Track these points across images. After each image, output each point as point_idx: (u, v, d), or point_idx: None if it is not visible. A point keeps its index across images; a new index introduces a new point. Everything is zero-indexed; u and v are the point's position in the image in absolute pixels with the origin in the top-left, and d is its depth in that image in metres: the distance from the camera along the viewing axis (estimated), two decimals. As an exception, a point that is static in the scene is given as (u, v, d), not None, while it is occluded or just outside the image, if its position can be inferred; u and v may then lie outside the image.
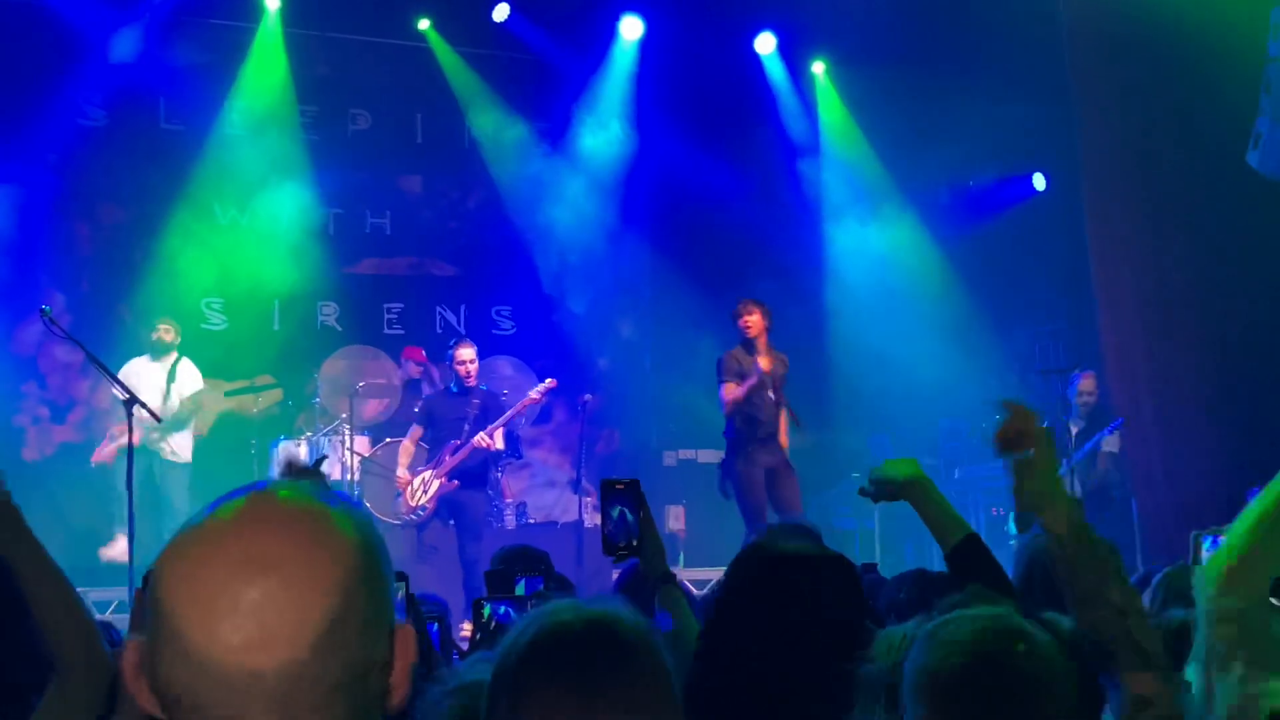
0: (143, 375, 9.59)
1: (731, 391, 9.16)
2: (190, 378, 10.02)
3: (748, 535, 8.63)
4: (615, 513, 3.27)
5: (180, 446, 9.95)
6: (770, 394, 9.28)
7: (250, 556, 1.20)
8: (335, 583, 1.22)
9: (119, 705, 2.36)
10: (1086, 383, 9.94)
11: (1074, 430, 9.79)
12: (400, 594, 3.15)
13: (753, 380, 9.12)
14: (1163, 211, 10.50)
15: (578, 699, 1.64)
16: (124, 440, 9.61)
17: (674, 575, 3.34)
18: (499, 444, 9.58)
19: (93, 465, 9.75)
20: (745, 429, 9.27)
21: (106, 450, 9.75)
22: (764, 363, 9.16)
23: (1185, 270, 10.31)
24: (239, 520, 1.24)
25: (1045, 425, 2.47)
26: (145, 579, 2.21)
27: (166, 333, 9.96)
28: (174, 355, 9.95)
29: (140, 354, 9.92)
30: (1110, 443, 9.81)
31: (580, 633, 1.71)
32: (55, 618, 2.48)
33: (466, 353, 9.51)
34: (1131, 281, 10.60)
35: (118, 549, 9.31)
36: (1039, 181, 12.31)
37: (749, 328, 9.29)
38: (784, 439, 9.44)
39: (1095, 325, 10.77)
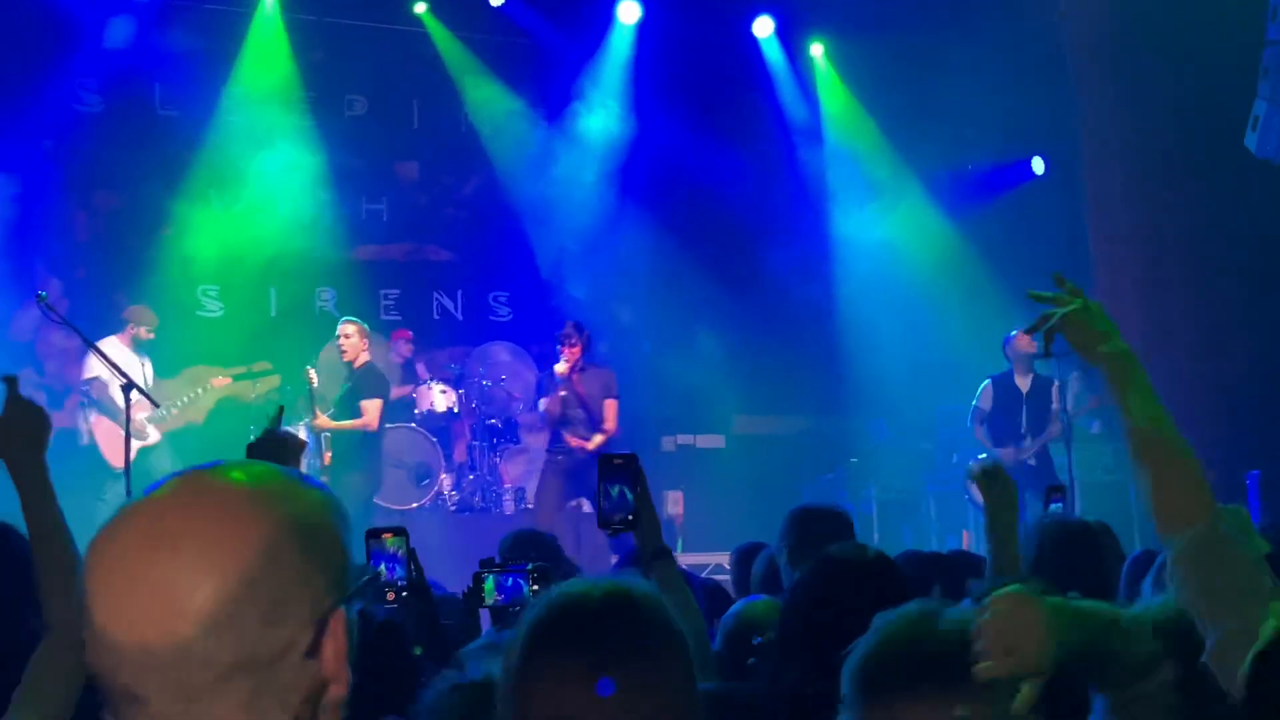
0: (126, 365, 9.48)
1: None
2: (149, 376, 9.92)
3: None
4: (614, 489, 3.27)
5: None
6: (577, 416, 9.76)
7: (154, 533, 1.22)
8: (235, 562, 1.21)
9: None
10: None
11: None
12: (401, 550, 3.20)
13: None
14: (1161, 194, 10.50)
15: (589, 667, 1.63)
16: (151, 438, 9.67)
17: (669, 550, 3.34)
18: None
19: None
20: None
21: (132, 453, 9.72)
22: (559, 368, 9.72)
23: (1183, 253, 10.32)
24: (160, 499, 1.25)
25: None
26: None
27: (151, 334, 9.91)
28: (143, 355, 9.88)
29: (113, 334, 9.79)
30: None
31: (596, 603, 1.70)
32: (54, 577, 2.49)
33: (342, 328, 9.80)
34: (1129, 264, 10.60)
35: None
36: (1038, 165, 12.32)
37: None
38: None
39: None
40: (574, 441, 9.66)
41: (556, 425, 9.82)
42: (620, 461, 3.31)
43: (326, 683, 1.28)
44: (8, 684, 2.51)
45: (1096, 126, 11.03)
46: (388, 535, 3.25)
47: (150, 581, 1.19)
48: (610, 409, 9.76)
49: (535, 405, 11.97)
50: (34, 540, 2.54)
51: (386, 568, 3.21)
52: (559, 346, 9.74)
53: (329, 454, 9.70)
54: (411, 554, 3.23)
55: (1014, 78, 11.29)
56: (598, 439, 9.62)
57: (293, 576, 1.24)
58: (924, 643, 1.93)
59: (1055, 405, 9.76)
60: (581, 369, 9.70)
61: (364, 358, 9.75)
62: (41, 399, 8.77)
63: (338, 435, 9.60)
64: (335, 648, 1.28)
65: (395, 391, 11.04)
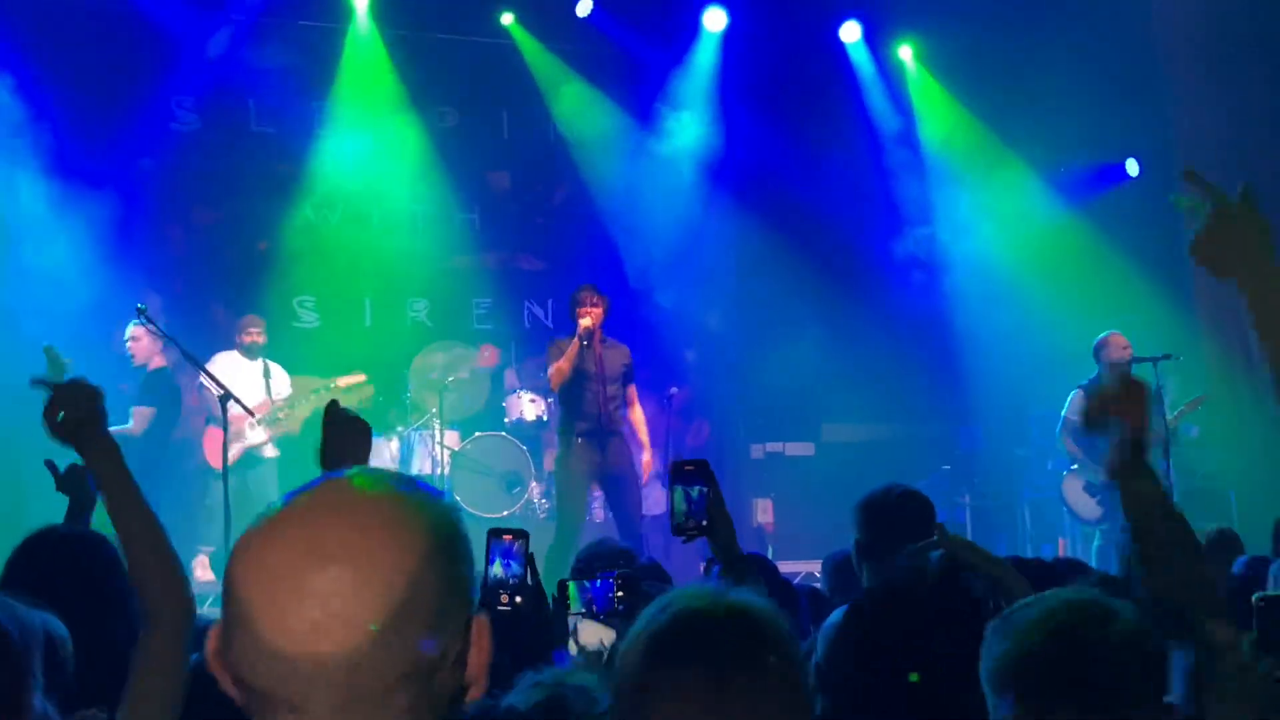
0: (238, 373, 9.68)
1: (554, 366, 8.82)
2: (281, 379, 10.12)
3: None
4: (692, 491, 3.25)
5: (265, 446, 10.06)
6: (604, 386, 8.80)
7: (316, 544, 1.22)
8: (401, 571, 1.22)
9: None
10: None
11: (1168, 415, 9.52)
12: (520, 551, 3.19)
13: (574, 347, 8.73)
14: (1261, 194, 10.24)
15: (709, 684, 1.63)
16: (250, 440, 9.82)
17: (745, 557, 3.30)
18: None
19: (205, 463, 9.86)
20: (566, 417, 8.94)
21: (235, 450, 9.89)
22: (585, 323, 8.74)
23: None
24: (309, 508, 1.26)
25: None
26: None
27: (259, 335, 10.05)
28: (262, 359, 10.06)
29: (227, 349, 9.99)
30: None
31: (717, 619, 1.69)
32: (145, 558, 2.50)
33: (130, 331, 9.42)
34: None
35: (199, 566, 9.45)
36: (1132, 167, 12.11)
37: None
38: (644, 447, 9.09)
39: (1188, 312, 10.56)
40: (646, 462, 9.07)
41: (566, 393, 8.85)
42: (693, 466, 3.28)
43: (469, 687, 1.31)
44: (100, 685, 2.54)
45: (1192, 127, 10.81)
46: (508, 536, 3.23)
47: (319, 594, 1.20)
48: (634, 394, 9.16)
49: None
50: (116, 522, 2.52)
51: (503, 566, 3.18)
52: (576, 309, 8.89)
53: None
54: (530, 557, 3.22)
55: (1106, 78, 11.11)
56: (646, 458, 9.05)
57: (449, 584, 1.27)
58: (1094, 648, 1.90)
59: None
60: (603, 339, 8.97)
61: (157, 361, 9.54)
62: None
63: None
64: (480, 653, 1.31)
65: (480, 398, 11.12)
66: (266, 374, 9.94)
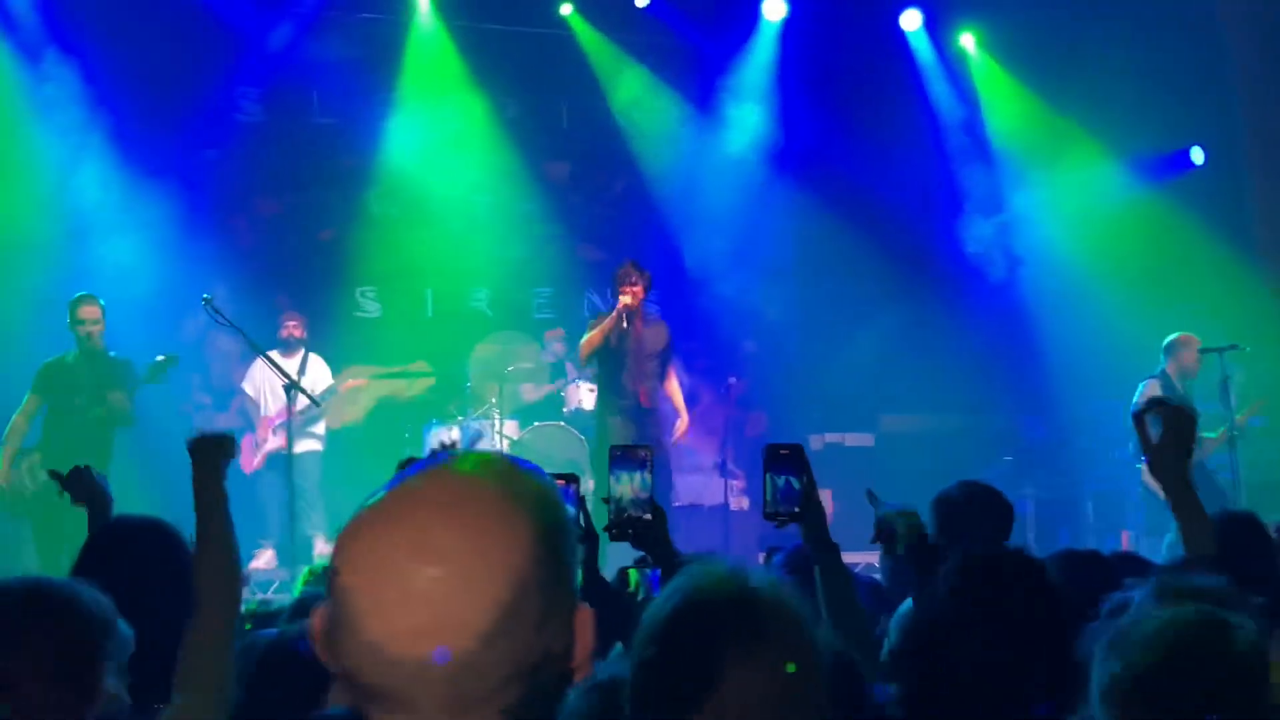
0: (265, 370, 9.71)
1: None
2: (318, 372, 10.11)
3: None
4: (780, 480, 3.21)
5: (307, 439, 10.00)
6: (642, 365, 8.90)
7: (424, 543, 1.19)
8: (510, 571, 1.20)
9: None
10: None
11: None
12: (572, 492, 3.15)
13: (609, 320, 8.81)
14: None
15: (708, 669, 1.65)
16: (272, 444, 9.91)
17: (837, 547, 3.20)
18: None
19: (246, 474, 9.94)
20: (604, 395, 9.05)
21: (256, 460, 10.00)
22: (625, 300, 8.80)
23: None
24: (416, 502, 1.23)
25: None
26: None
27: (296, 329, 10.07)
28: (302, 351, 10.04)
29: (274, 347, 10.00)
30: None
31: (722, 603, 1.70)
32: (214, 577, 2.64)
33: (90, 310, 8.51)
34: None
35: (264, 559, 9.55)
36: (1197, 155, 11.95)
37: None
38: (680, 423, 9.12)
39: (1254, 301, 10.42)
40: (681, 433, 9.19)
41: (604, 371, 8.94)
42: (787, 451, 3.22)
43: (573, 675, 1.29)
44: (160, 671, 2.59)
45: (1260, 116, 10.65)
46: (560, 480, 3.15)
47: (427, 597, 1.18)
48: (672, 372, 9.24)
49: (685, 402, 11.97)
50: (200, 545, 2.69)
51: None
52: (618, 285, 8.94)
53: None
54: (581, 501, 3.20)
55: (1170, 65, 10.97)
56: (682, 423, 9.18)
57: (556, 581, 1.25)
58: (1217, 665, 1.86)
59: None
60: (644, 317, 9.05)
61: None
62: (208, 401, 9.03)
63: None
64: (584, 645, 1.29)
65: (542, 390, 11.15)
66: (302, 369, 9.88)
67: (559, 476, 3.13)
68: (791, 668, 1.69)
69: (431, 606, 1.18)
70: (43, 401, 8.59)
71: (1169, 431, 3.03)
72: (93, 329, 8.47)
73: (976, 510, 3.90)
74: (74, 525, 3.58)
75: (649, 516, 3.15)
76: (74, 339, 8.54)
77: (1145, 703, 1.87)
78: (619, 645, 2.33)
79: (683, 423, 9.19)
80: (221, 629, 2.58)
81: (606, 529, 3.17)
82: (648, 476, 3.17)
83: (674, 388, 9.27)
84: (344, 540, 1.23)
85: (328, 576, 1.24)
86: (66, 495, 3.69)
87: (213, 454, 2.81)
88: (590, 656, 1.30)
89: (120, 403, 8.46)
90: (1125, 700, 1.90)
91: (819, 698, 1.69)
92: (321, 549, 9.40)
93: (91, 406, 8.36)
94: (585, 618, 1.30)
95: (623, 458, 3.21)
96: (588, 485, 10.47)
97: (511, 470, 1.29)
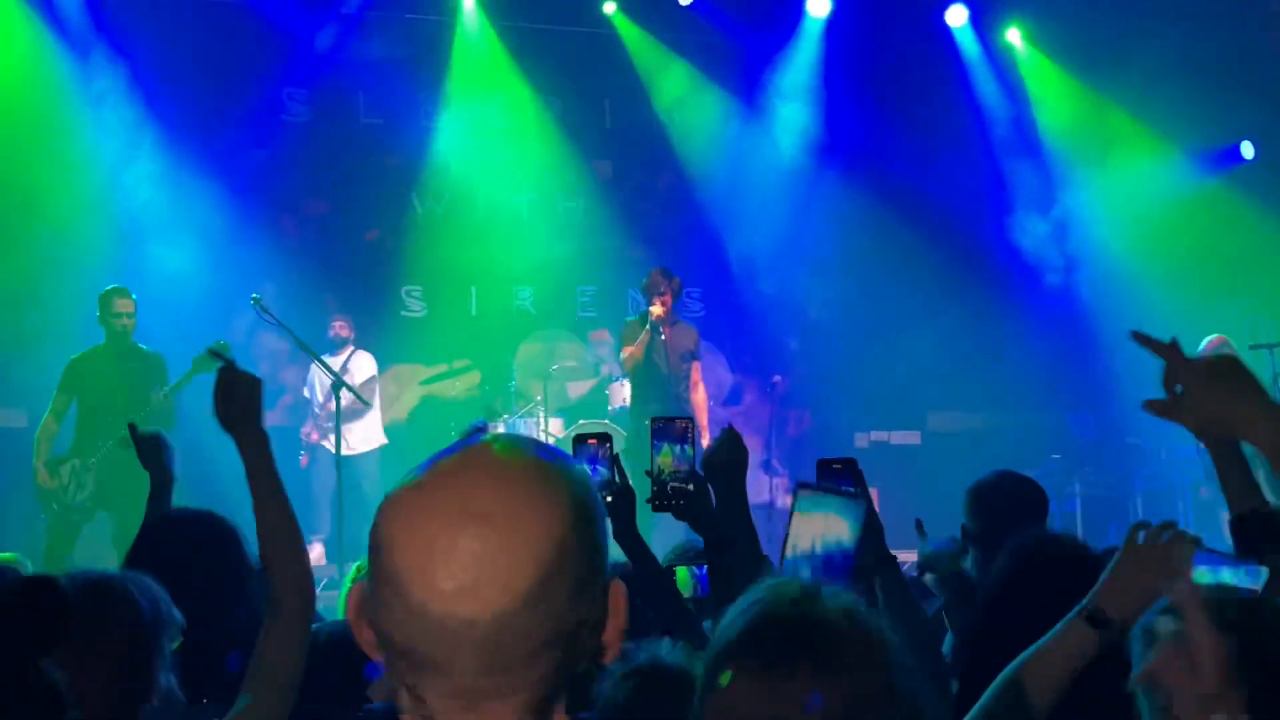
0: (317, 369, 9.83)
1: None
2: (363, 367, 10.18)
3: None
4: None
5: (360, 438, 10.14)
6: (671, 369, 9.05)
7: (466, 507, 1.23)
8: (549, 536, 1.23)
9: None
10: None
11: None
12: (605, 454, 3.18)
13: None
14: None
15: (769, 686, 1.60)
16: (315, 437, 10.02)
17: (895, 558, 3.06)
18: None
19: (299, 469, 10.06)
20: (635, 400, 9.22)
21: (305, 457, 10.16)
22: (655, 311, 9.02)
23: None
24: (456, 472, 1.27)
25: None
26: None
27: (342, 329, 10.22)
28: (350, 349, 10.16)
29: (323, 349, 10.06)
30: None
31: (783, 619, 1.65)
32: (277, 544, 2.59)
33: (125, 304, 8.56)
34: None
35: (313, 554, 9.63)
36: (1247, 150, 11.85)
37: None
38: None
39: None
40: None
41: (635, 377, 9.17)
42: (840, 466, 3.13)
43: (606, 649, 1.32)
44: (221, 663, 2.61)
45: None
46: (593, 440, 3.22)
47: (470, 556, 1.21)
48: (697, 373, 9.32)
49: (729, 400, 11.97)
50: (258, 512, 2.61)
51: (590, 469, 3.15)
52: (649, 296, 9.17)
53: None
54: (615, 459, 3.20)
55: (1219, 59, 10.87)
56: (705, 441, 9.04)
57: (591, 551, 1.28)
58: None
59: None
60: (672, 322, 9.22)
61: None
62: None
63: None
64: (617, 619, 1.32)
65: (585, 386, 11.18)
66: (345, 365, 9.96)
67: (591, 436, 3.22)
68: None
69: (474, 567, 1.21)
70: (72, 400, 8.53)
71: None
72: (128, 322, 8.49)
73: (1013, 499, 3.87)
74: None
75: (691, 487, 3.10)
76: (105, 333, 8.54)
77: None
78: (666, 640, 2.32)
79: (703, 435, 9.19)
80: (300, 627, 2.54)
81: (649, 501, 3.12)
82: (689, 448, 3.13)
83: (700, 399, 9.37)
84: (386, 510, 1.27)
85: (370, 547, 1.27)
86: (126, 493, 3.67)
87: (243, 408, 2.66)
88: (622, 632, 1.32)
89: (161, 402, 8.42)
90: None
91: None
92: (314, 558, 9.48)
93: (131, 407, 8.06)
94: (619, 592, 1.32)
95: (664, 429, 3.17)
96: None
97: (544, 448, 1.33)
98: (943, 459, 11.06)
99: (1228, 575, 2.29)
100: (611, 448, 3.20)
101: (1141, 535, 2.31)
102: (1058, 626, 2.28)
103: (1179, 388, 2.03)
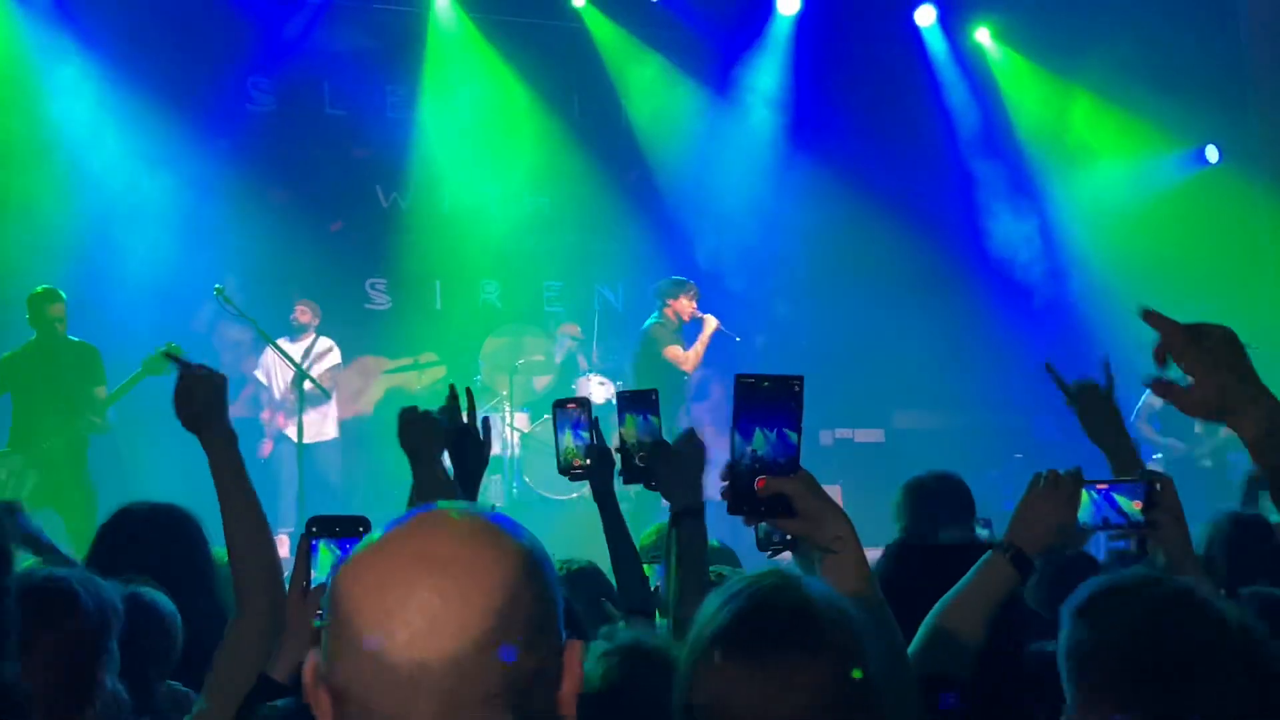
0: (275, 356, 9.82)
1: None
2: (325, 355, 10.18)
3: None
4: (568, 435, 3.29)
5: (317, 429, 10.04)
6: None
7: (421, 556, 1.27)
8: (501, 582, 1.27)
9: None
10: None
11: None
12: (584, 418, 3.28)
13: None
14: None
15: (760, 670, 1.68)
16: (279, 423, 10.00)
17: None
18: None
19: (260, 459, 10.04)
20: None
21: (268, 445, 10.13)
22: (714, 320, 9.83)
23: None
24: (411, 528, 1.31)
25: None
26: (308, 526, 2.29)
27: (303, 314, 10.20)
28: (311, 335, 10.15)
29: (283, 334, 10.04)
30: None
31: (770, 606, 1.73)
32: (246, 547, 2.59)
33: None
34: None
35: (282, 549, 9.56)
36: (1212, 154, 12.01)
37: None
38: None
39: (1269, 298, 10.44)
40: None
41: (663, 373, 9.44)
42: (573, 405, 3.35)
43: (561, 706, 1.34)
44: (184, 655, 2.60)
45: (1274, 113, 10.69)
46: (572, 405, 3.32)
47: (424, 603, 1.24)
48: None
49: (697, 396, 11.98)
50: (225, 510, 2.62)
51: (573, 434, 3.28)
52: (693, 301, 9.80)
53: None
54: (594, 423, 3.29)
55: (1186, 64, 11.01)
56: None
57: (544, 602, 1.31)
58: (1181, 648, 1.90)
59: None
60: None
61: None
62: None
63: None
64: (572, 681, 1.34)
65: (547, 379, 11.19)
66: (307, 353, 9.98)
67: (571, 400, 3.32)
68: (858, 673, 1.72)
69: (428, 612, 1.24)
70: (3, 397, 8.51)
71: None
72: (60, 327, 8.52)
73: (939, 499, 4.07)
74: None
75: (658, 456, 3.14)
76: (37, 332, 8.52)
77: (1099, 676, 1.92)
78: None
79: None
80: (267, 623, 2.54)
81: (620, 474, 3.17)
82: (654, 418, 3.16)
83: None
84: (345, 570, 1.30)
85: (328, 607, 1.30)
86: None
87: (206, 405, 2.68)
88: (576, 694, 1.34)
89: (104, 399, 8.45)
90: (1081, 670, 1.95)
91: (876, 703, 1.72)
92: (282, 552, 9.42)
93: (66, 401, 8.26)
94: (574, 652, 1.35)
95: (630, 401, 3.21)
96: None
97: (495, 514, 1.37)
98: (906, 457, 11.12)
99: (1116, 495, 2.73)
100: (590, 412, 3.29)
101: (1041, 480, 2.64)
102: (976, 567, 2.50)
103: (1172, 369, 1.99)
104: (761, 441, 2.07)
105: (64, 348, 8.55)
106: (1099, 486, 2.77)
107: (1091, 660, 1.95)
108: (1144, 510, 2.77)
